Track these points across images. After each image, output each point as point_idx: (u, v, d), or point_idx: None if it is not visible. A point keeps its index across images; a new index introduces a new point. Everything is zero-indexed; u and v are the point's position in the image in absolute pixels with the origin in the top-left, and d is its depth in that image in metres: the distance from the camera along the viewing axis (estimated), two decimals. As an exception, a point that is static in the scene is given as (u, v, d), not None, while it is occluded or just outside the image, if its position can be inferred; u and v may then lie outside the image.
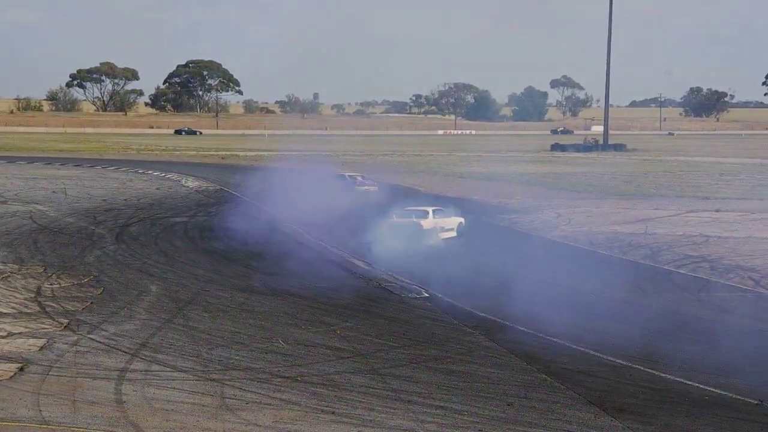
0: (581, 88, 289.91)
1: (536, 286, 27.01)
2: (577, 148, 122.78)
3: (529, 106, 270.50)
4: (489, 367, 19.02)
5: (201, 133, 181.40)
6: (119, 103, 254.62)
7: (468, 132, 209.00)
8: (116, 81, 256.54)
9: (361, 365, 18.75)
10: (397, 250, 32.84)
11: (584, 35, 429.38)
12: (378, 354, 19.69)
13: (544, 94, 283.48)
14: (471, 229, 39.02)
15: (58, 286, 26.06)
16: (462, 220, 39.47)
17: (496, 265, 31.33)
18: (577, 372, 18.66)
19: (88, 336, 20.19)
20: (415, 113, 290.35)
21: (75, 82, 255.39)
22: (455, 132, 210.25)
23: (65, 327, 21.01)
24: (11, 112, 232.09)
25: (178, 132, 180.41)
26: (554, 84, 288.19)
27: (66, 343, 19.46)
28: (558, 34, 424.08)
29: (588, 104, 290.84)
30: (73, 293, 25.13)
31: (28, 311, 22.62)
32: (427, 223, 37.42)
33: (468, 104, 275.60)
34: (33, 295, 24.54)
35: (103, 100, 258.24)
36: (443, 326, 22.78)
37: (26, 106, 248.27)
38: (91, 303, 23.84)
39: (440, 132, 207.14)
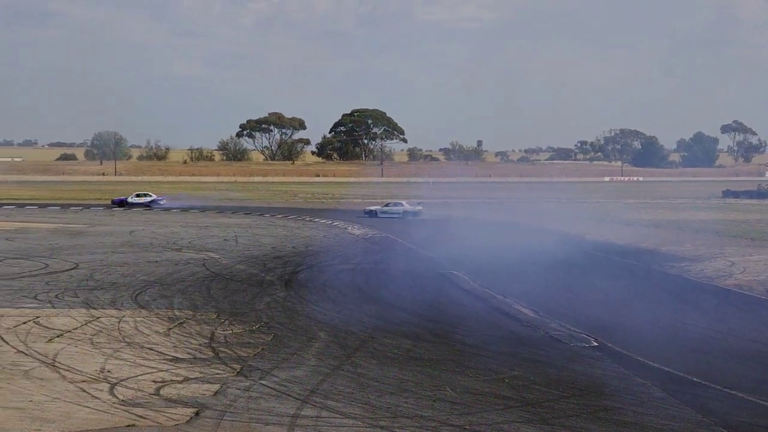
0: (754, 134, 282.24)
1: (711, 336, 26.24)
2: (751, 194, 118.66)
3: (699, 151, 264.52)
4: (663, 419, 18.50)
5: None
6: (287, 152, 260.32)
7: (635, 178, 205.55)
8: (284, 131, 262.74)
9: (529, 415, 18.51)
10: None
11: (757, 79, 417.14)
12: (546, 403, 19.41)
13: (715, 140, 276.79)
14: (641, 277, 38.27)
15: (230, 332, 26.66)
16: (420, 207, 79.60)
17: (667, 314, 30.60)
18: (756, 426, 17.98)
19: (260, 381, 20.55)
20: (580, 160, 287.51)
21: (245, 133, 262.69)
22: (622, 178, 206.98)
23: (238, 372, 21.45)
24: (185, 162, 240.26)
25: None
26: (725, 129, 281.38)
27: (239, 389, 19.86)
28: (729, 78, 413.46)
29: (761, 150, 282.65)
30: (244, 339, 25.66)
31: (203, 356, 23.21)
32: (404, 208, 79.13)
33: (635, 150, 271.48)
34: (207, 341, 25.17)
35: (272, 150, 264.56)
36: (613, 376, 22.31)
37: (199, 156, 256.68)
38: (262, 349, 24.29)
39: (606, 179, 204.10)
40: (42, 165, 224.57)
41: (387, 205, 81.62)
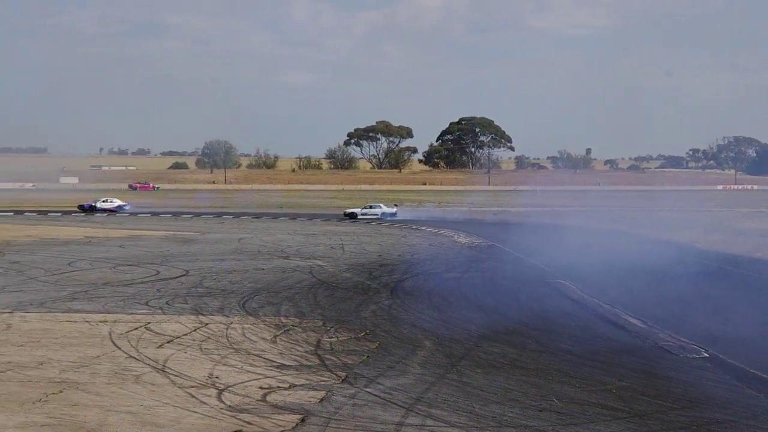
0: None
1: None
2: None
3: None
4: (775, 433, 18.05)
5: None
6: (394, 160, 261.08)
7: (749, 187, 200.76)
8: (391, 139, 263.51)
9: (637, 427, 18.20)
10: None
11: None
12: (655, 415, 19.07)
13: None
14: (754, 287, 37.41)
15: (336, 339, 26.82)
16: (395, 210, 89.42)
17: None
18: None
19: (365, 389, 20.62)
20: (692, 168, 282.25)
21: (352, 141, 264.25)
22: (735, 187, 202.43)
23: (343, 380, 21.56)
24: (293, 170, 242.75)
25: None
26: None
27: (344, 396, 19.96)
28: None
29: None
30: (350, 347, 25.77)
31: (309, 364, 23.38)
32: (382, 210, 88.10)
33: (749, 158, 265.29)
34: (313, 348, 25.36)
35: (379, 158, 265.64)
36: (725, 388, 21.83)
37: (306, 164, 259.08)
38: (368, 357, 24.37)
39: (719, 187, 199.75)
40: (154, 173, 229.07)
41: (366, 207, 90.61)
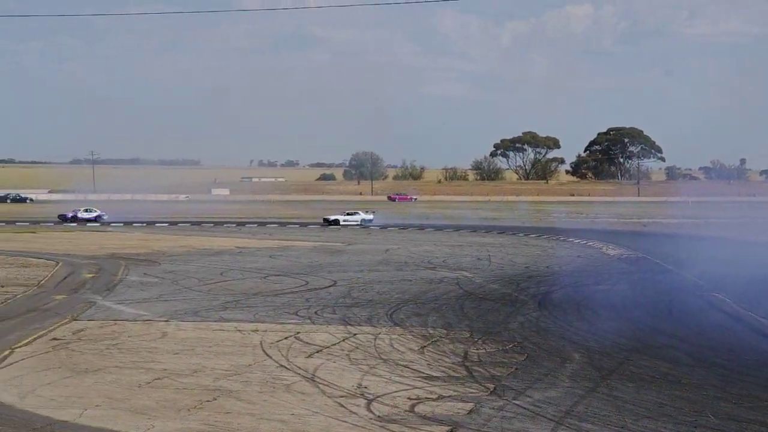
0: None
1: None
2: None
3: None
4: None
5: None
6: (541, 171, 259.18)
7: None
8: (538, 150, 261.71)
9: (798, 446, 17.58)
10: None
11: None
12: (818, 435, 18.37)
13: None
14: None
15: (483, 351, 26.70)
16: (372, 216, 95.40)
17: None
18: None
19: (514, 401, 20.45)
20: None
21: (498, 152, 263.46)
22: None
23: (491, 392, 21.43)
24: (439, 181, 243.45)
25: None
26: None
27: (493, 408, 19.83)
28: None
29: None
30: (497, 358, 25.63)
31: (456, 375, 23.34)
32: (362, 216, 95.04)
33: None
34: (460, 360, 25.30)
35: (525, 169, 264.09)
36: None
37: (453, 175, 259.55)
38: (516, 369, 24.18)
39: None
40: (303, 185, 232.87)
41: (347, 214, 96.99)
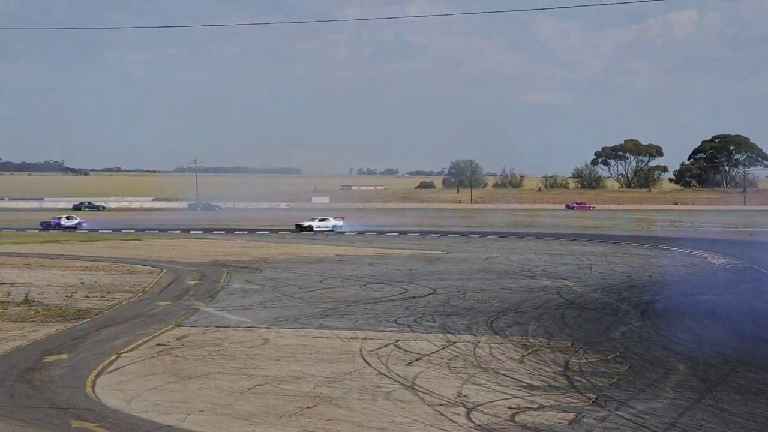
0: None
1: None
2: None
3: None
4: None
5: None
6: (643, 179, 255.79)
7: None
8: (640, 158, 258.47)
9: None
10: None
11: None
12: None
13: None
14: None
15: (585, 361, 26.35)
16: (342, 222, 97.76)
17: None
18: None
19: (616, 412, 20.14)
20: None
21: (600, 160, 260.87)
22: None
23: (593, 402, 21.14)
24: (539, 189, 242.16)
25: None
26: None
27: (594, 419, 19.55)
28: None
29: None
30: (599, 369, 25.27)
31: (557, 384, 23.08)
32: (332, 223, 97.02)
33: None
34: (561, 369, 25.02)
35: (627, 177, 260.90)
36: None
37: (553, 183, 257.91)
38: (618, 379, 23.82)
39: None
40: (402, 193, 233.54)
41: (319, 220, 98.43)
